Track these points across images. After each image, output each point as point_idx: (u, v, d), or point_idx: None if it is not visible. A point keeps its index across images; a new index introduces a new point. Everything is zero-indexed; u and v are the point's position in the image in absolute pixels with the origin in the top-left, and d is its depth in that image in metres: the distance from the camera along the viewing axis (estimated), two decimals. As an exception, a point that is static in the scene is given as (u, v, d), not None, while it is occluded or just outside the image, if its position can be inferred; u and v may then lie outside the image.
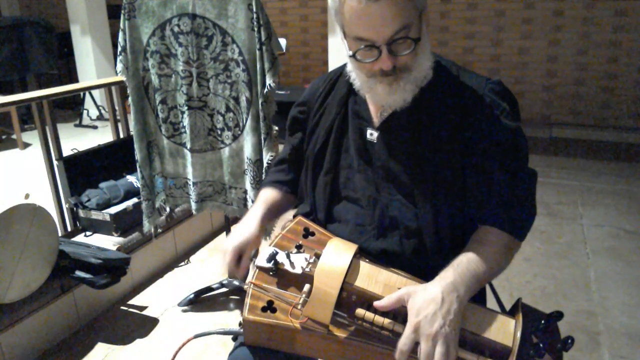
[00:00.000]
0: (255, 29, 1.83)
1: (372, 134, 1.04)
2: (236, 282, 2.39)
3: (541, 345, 0.83)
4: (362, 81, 0.99)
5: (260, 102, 1.91)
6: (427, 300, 0.85)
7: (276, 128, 2.05)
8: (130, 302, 2.41)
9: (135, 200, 2.59)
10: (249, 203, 2.10)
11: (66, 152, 2.57)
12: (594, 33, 4.95)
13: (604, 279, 2.50)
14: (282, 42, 3.68)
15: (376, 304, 0.88)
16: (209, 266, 2.73)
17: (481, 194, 0.99)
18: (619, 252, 2.76)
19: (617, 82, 5.00)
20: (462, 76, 1.01)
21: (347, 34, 0.93)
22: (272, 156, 1.97)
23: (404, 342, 0.83)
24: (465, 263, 0.92)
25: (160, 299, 2.42)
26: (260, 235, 1.11)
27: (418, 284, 0.93)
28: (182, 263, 2.76)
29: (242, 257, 1.08)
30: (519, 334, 0.85)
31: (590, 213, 3.29)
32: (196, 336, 1.10)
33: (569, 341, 0.84)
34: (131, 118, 2.10)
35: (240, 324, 1.00)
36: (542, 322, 0.87)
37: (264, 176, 1.99)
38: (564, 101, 5.24)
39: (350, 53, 0.94)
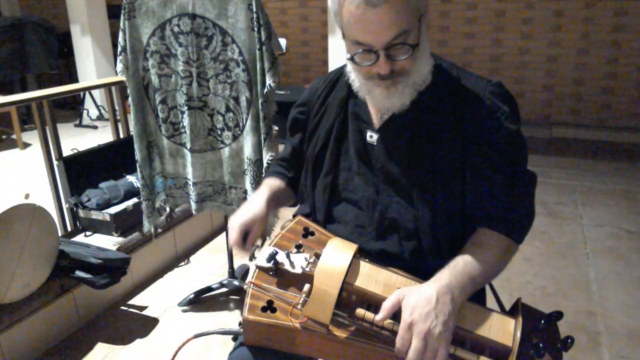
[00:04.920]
0: (255, 29, 1.83)
1: (371, 136, 1.04)
2: (236, 282, 2.39)
3: (541, 345, 0.83)
4: (361, 83, 0.99)
5: (260, 102, 1.91)
6: (421, 300, 0.85)
7: (276, 128, 2.05)
8: (130, 302, 2.41)
9: (135, 200, 2.59)
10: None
11: (66, 152, 2.57)
12: (594, 33, 4.95)
13: (604, 279, 2.50)
14: (282, 42, 3.68)
15: (377, 319, 0.88)
16: (209, 266, 2.73)
17: (480, 196, 0.99)
18: (619, 252, 2.76)
19: (617, 82, 5.00)
20: (462, 78, 1.01)
21: (346, 36, 0.93)
22: (272, 156, 1.97)
23: (400, 342, 0.85)
24: (461, 265, 0.92)
25: (160, 299, 2.42)
26: (267, 214, 1.09)
27: (416, 284, 0.93)
28: (182, 263, 2.76)
29: (248, 235, 1.06)
30: (518, 334, 0.86)
31: (590, 213, 3.29)
32: (196, 336, 1.10)
33: (569, 341, 0.84)
34: (131, 118, 2.10)
35: (240, 324, 1.00)
36: (542, 322, 0.87)
37: (264, 175, 1.99)
38: (564, 101, 5.24)
39: (349, 56, 0.94)
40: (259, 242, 1.09)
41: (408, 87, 0.95)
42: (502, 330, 0.87)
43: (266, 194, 1.14)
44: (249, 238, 1.06)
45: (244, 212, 1.07)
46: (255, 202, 1.10)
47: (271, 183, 1.22)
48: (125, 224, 2.49)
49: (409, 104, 0.98)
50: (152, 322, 2.24)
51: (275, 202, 1.18)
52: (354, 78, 1.01)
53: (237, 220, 1.06)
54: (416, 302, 0.85)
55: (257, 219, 1.07)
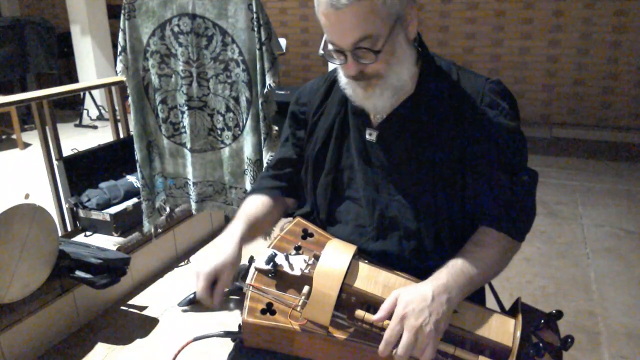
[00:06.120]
0: (255, 29, 1.83)
1: (371, 134, 1.04)
2: (236, 282, 2.38)
3: (541, 344, 0.83)
4: (344, 82, 1.00)
5: (260, 102, 1.91)
6: (417, 297, 0.86)
7: (276, 128, 2.05)
8: (130, 302, 2.41)
9: (135, 200, 2.59)
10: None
11: (66, 152, 2.57)
12: (594, 33, 4.95)
13: (604, 279, 2.50)
14: (282, 42, 3.67)
15: (375, 318, 0.88)
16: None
17: (480, 194, 0.98)
18: (619, 252, 2.76)
19: (617, 82, 5.00)
20: (461, 76, 1.01)
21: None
22: (272, 156, 1.97)
23: (389, 334, 0.84)
24: (460, 265, 0.92)
25: (160, 299, 2.42)
26: (238, 258, 1.00)
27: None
28: (182, 263, 2.76)
29: (216, 282, 0.97)
30: (518, 334, 0.86)
31: (590, 213, 3.29)
32: (195, 339, 1.10)
33: (569, 340, 0.84)
34: (131, 118, 2.10)
35: (239, 326, 1.00)
36: (542, 321, 0.87)
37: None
38: (564, 101, 5.24)
39: (321, 52, 0.96)
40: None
41: (387, 90, 0.95)
42: (502, 330, 0.87)
43: (239, 231, 1.03)
44: (216, 287, 0.96)
45: (212, 258, 0.97)
46: (225, 245, 1.00)
47: (249, 211, 1.11)
48: (125, 224, 2.49)
49: (389, 107, 0.98)
50: (152, 322, 2.24)
51: (253, 234, 1.08)
52: (340, 77, 1.02)
53: (203, 267, 0.96)
54: (412, 298, 0.86)
55: (226, 265, 0.97)
